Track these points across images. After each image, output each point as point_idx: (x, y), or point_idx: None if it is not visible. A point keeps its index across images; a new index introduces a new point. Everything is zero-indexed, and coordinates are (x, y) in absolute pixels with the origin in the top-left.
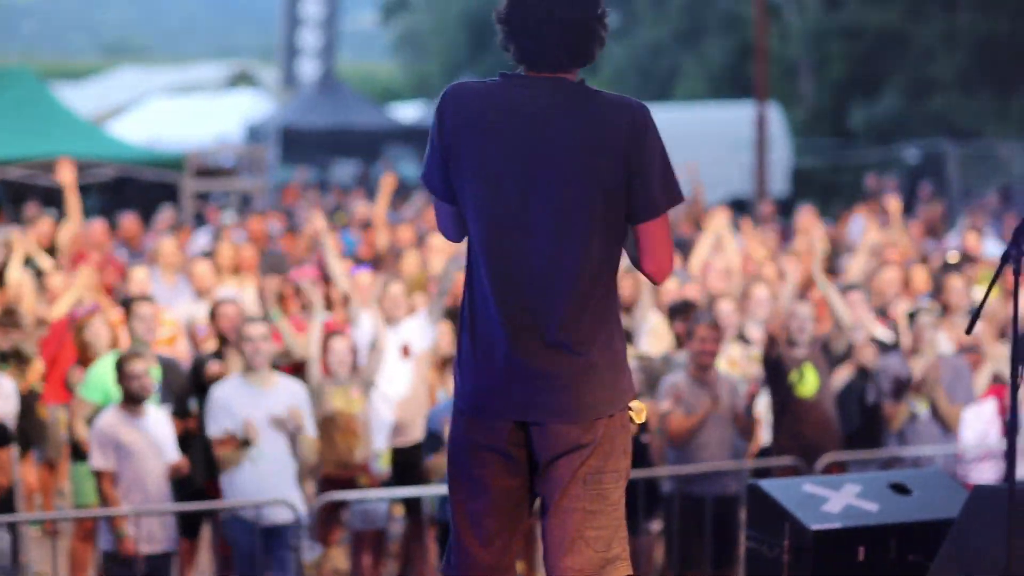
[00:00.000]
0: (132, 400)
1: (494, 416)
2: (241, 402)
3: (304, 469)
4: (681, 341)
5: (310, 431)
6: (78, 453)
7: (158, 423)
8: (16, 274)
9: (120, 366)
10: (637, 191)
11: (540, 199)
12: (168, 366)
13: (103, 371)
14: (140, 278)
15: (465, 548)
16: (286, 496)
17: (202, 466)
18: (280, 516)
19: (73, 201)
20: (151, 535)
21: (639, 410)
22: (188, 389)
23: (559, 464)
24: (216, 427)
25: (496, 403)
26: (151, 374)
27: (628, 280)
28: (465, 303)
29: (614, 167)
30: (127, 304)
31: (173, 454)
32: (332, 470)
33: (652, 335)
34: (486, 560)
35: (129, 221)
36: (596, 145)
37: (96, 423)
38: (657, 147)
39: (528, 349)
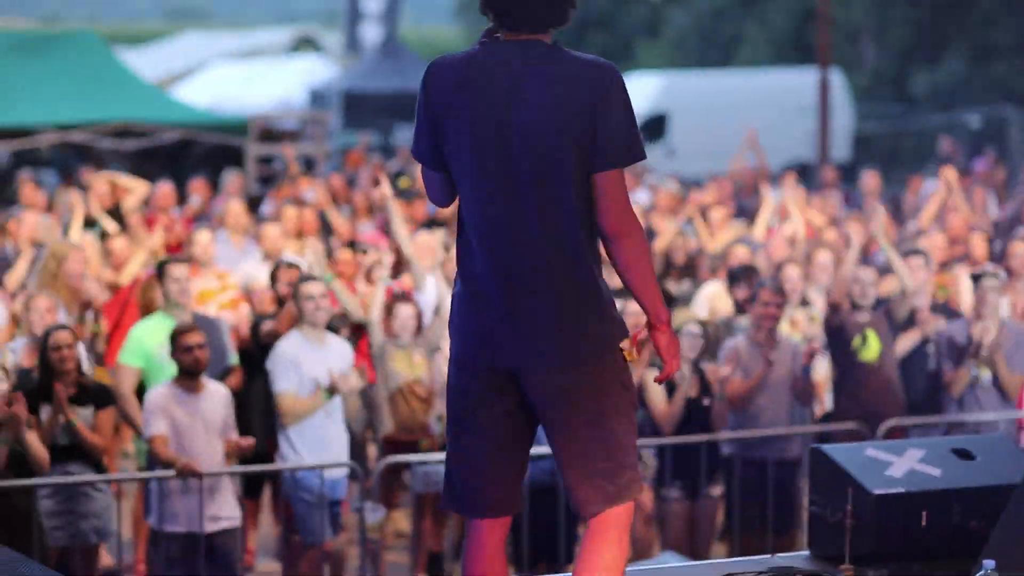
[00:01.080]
0: (187, 374)
1: (486, 365)
2: (305, 357)
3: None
4: (742, 306)
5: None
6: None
7: (216, 399)
8: (76, 237)
9: (174, 339)
10: (596, 142)
11: (519, 155)
12: (208, 327)
13: (141, 334)
14: (204, 241)
15: (471, 484)
16: (343, 456)
17: (261, 426)
18: (340, 477)
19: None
20: (215, 515)
21: (629, 349)
22: (226, 350)
23: (558, 408)
24: (285, 382)
25: (487, 352)
26: (205, 348)
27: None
28: (457, 261)
29: (582, 122)
30: (161, 266)
31: (232, 432)
32: (394, 433)
33: (709, 301)
34: (490, 495)
35: (197, 185)
36: (566, 100)
37: (149, 395)
38: (620, 103)
39: (514, 298)
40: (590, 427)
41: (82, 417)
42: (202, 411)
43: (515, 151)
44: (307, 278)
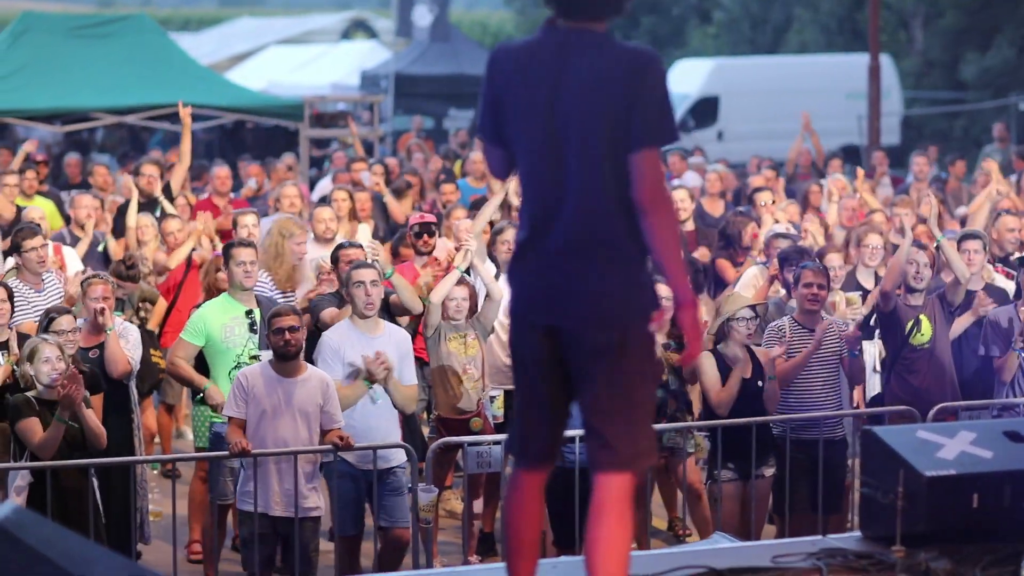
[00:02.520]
0: (280, 356)
1: (528, 320)
2: (351, 347)
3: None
4: (790, 288)
5: (406, 379)
6: (197, 396)
7: (311, 386)
8: (132, 220)
9: (269, 321)
10: (631, 122)
11: (562, 131)
12: (267, 308)
13: (205, 315)
14: (249, 223)
15: (523, 433)
16: (394, 439)
17: None
18: (394, 459)
19: (185, 146)
20: (287, 501)
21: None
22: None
23: (585, 367)
24: (327, 371)
25: (529, 308)
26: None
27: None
28: (518, 228)
29: (617, 102)
30: (227, 249)
31: (335, 420)
32: (447, 413)
33: (746, 287)
34: (535, 444)
35: (253, 169)
36: (604, 83)
37: (241, 374)
38: (656, 87)
39: (549, 261)
40: (612, 388)
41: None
42: (295, 396)
43: (558, 128)
44: (359, 264)
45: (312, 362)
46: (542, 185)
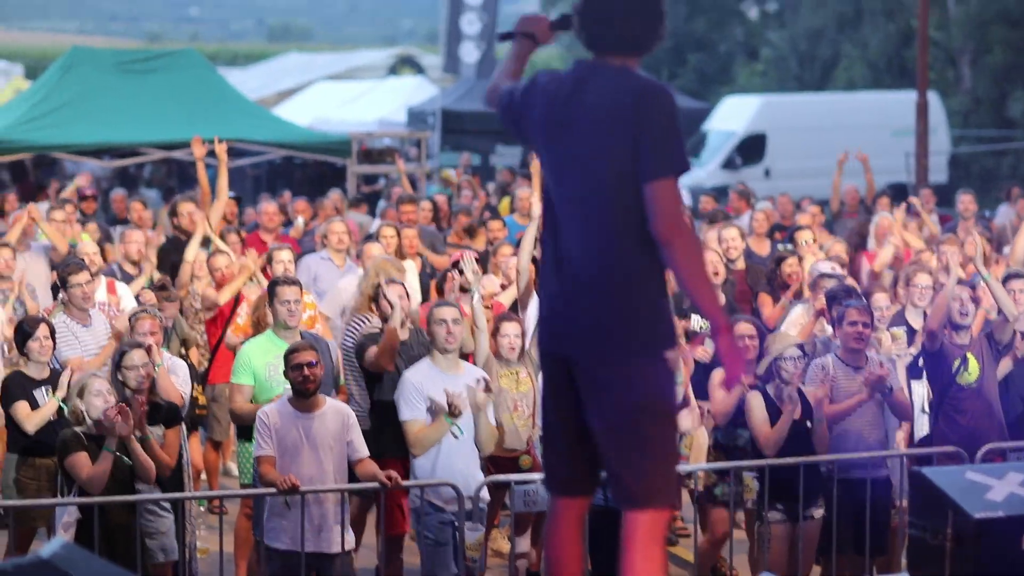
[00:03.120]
0: (300, 394)
1: (543, 349)
2: (433, 385)
3: (482, 454)
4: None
5: (491, 418)
6: (243, 432)
7: (331, 419)
8: (191, 255)
9: (287, 357)
10: (639, 154)
11: (574, 159)
12: (317, 347)
13: (250, 353)
14: (285, 259)
15: (549, 461)
16: (477, 480)
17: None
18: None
19: (223, 182)
20: (319, 537)
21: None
22: (332, 370)
23: (592, 400)
24: (409, 411)
25: (547, 337)
26: (322, 365)
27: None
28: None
29: (624, 133)
30: (272, 287)
31: (358, 451)
32: (496, 450)
33: (792, 325)
34: (560, 473)
35: (300, 205)
36: (611, 113)
37: (260, 414)
38: (662, 119)
39: (563, 291)
40: (618, 424)
41: (153, 435)
42: (314, 431)
43: (570, 157)
44: (441, 303)
45: (388, 402)
46: (557, 212)
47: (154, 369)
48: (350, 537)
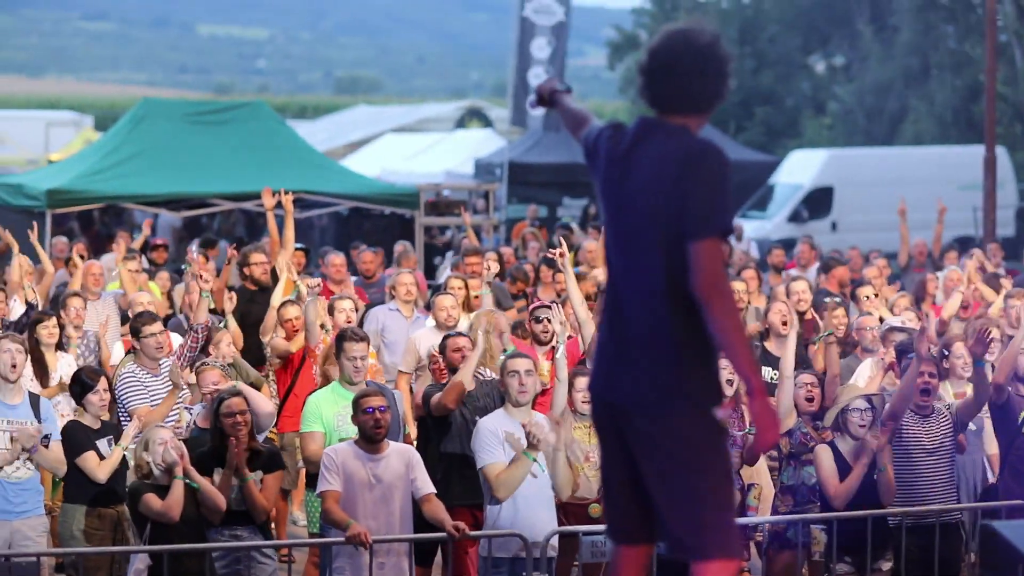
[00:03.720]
0: (369, 438)
1: (596, 397)
2: (509, 431)
3: (561, 498)
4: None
5: (565, 463)
6: (312, 481)
7: (396, 463)
8: (276, 300)
9: (356, 401)
10: (683, 213)
11: (625, 214)
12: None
13: (318, 402)
14: (346, 308)
15: (608, 508)
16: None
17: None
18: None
19: (289, 232)
20: None
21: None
22: (400, 419)
23: (644, 453)
24: (489, 456)
25: (596, 386)
26: (388, 410)
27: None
28: None
29: (669, 193)
30: (339, 340)
31: (423, 488)
32: (570, 499)
33: (862, 379)
34: (619, 521)
35: (367, 256)
36: (660, 173)
37: (327, 452)
38: (707, 180)
39: (614, 341)
40: (671, 478)
41: (252, 479)
42: (380, 472)
43: (622, 210)
44: (515, 354)
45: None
46: (611, 263)
47: (250, 417)
48: None
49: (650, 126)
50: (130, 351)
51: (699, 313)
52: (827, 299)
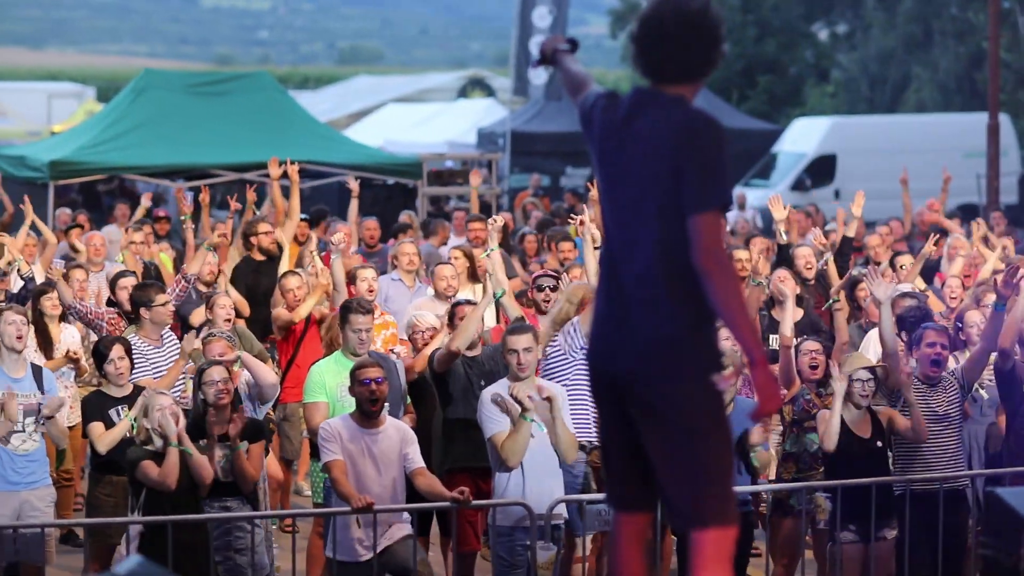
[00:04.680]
0: (365, 411)
1: (593, 365)
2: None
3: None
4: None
5: (569, 425)
6: (316, 451)
7: (393, 436)
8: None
9: (352, 373)
10: (679, 186)
11: (623, 185)
12: (383, 366)
13: (322, 372)
14: (368, 276)
15: (607, 476)
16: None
17: (434, 461)
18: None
19: (295, 202)
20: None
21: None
22: (400, 389)
23: (643, 421)
24: (494, 425)
25: (597, 354)
26: (387, 382)
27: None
28: None
29: (666, 166)
30: (344, 311)
31: (414, 462)
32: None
33: (868, 348)
34: (618, 489)
35: (369, 224)
36: (657, 142)
37: (324, 425)
38: (705, 152)
39: (612, 308)
40: (671, 446)
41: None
42: (377, 446)
43: (621, 182)
44: (514, 329)
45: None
46: (611, 233)
47: (232, 385)
48: (406, 526)
49: (646, 96)
50: (132, 323)
51: (698, 283)
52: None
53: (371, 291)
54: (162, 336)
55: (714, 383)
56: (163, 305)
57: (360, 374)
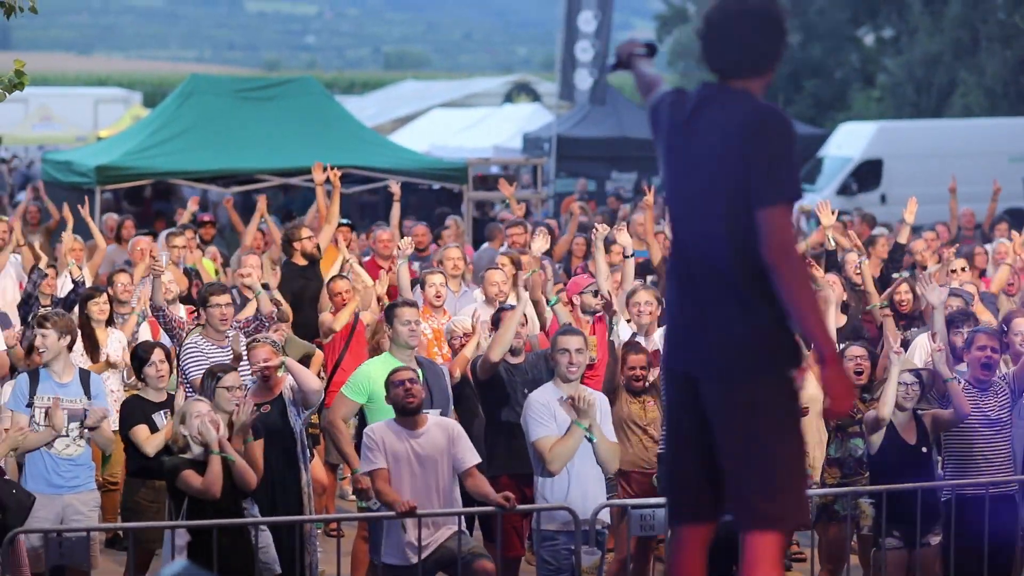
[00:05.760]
0: (403, 411)
1: (668, 367)
2: (558, 407)
3: (608, 472)
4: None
5: (609, 436)
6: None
7: (438, 436)
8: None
9: (387, 379)
10: (749, 180)
11: (692, 181)
12: (431, 371)
13: (368, 372)
14: (436, 283)
15: (669, 488)
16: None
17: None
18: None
19: (334, 208)
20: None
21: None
22: (447, 394)
23: (719, 419)
24: (541, 428)
25: (667, 356)
26: (420, 383)
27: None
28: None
29: (735, 160)
30: (391, 309)
31: (466, 461)
32: (627, 467)
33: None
34: (686, 500)
35: (418, 230)
36: (724, 136)
37: (368, 431)
38: (774, 146)
39: (686, 307)
40: (747, 444)
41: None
42: (420, 448)
43: (687, 177)
44: (566, 331)
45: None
46: (676, 230)
47: (244, 394)
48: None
49: (712, 91)
50: (198, 324)
51: (769, 278)
52: (895, 275)
53: (438, 296)
54: (226, 336)
55: (793, 380)
56: (216, 307)
57: (393, 378)
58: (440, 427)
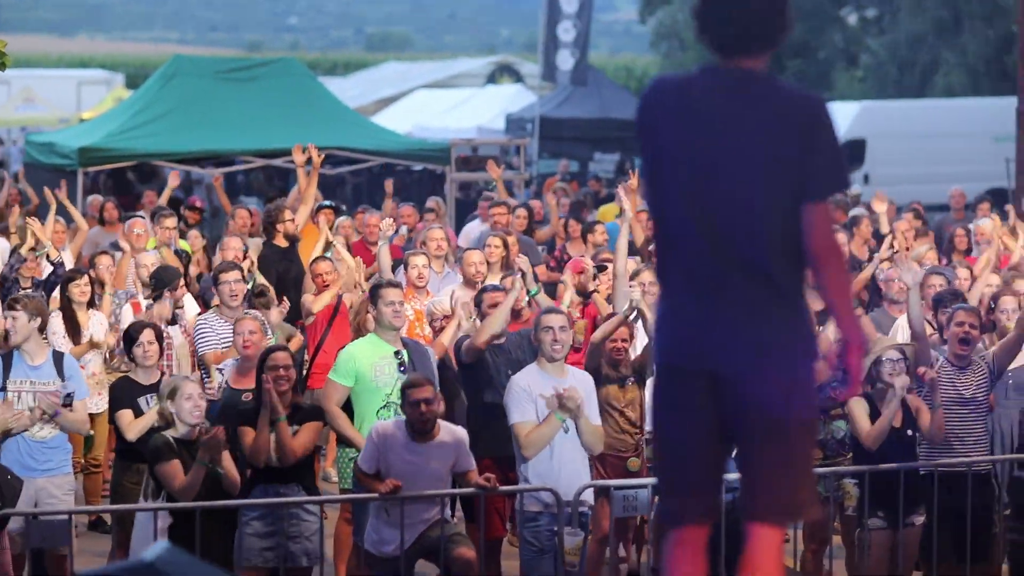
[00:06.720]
0: (417, 431)
1: (682, 366)
2: (541, 389)
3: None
4: (942, 330)
5: (593, 418)
6: (344, 438)
7: (445, 448)
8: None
9: (403, 392)
10: (803, 173)
11: (726, 177)
12: (417, 352)
13: (353, 354)
14: (419, 264)
15: (681, 488)
16: (585, 480)
17: None
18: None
19: (312, 188)
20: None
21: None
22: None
23: (748, 418)
24: (520, 414)
25: (685, 355)
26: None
27: None
28: (660, 270)
29: (790, 152)
30: (375, 290)
31: (467, 466)
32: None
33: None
34: (690, 502)
35: (406, 211)
36: (774, 126)
37: (373, 428)
38: (830, 135)
39: (715, 307)
40: (777, 442)
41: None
42: (426, 462)
43: (714, 170)
44: (549, 310)
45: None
46: (698, 229)
47: (294, 373)
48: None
49: (729, 77)
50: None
51: (801, 268)
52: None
53: (421, 277)
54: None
55: (816, 372)
56: (226, 283)
57: (411, 394)
58: (452, 437)
